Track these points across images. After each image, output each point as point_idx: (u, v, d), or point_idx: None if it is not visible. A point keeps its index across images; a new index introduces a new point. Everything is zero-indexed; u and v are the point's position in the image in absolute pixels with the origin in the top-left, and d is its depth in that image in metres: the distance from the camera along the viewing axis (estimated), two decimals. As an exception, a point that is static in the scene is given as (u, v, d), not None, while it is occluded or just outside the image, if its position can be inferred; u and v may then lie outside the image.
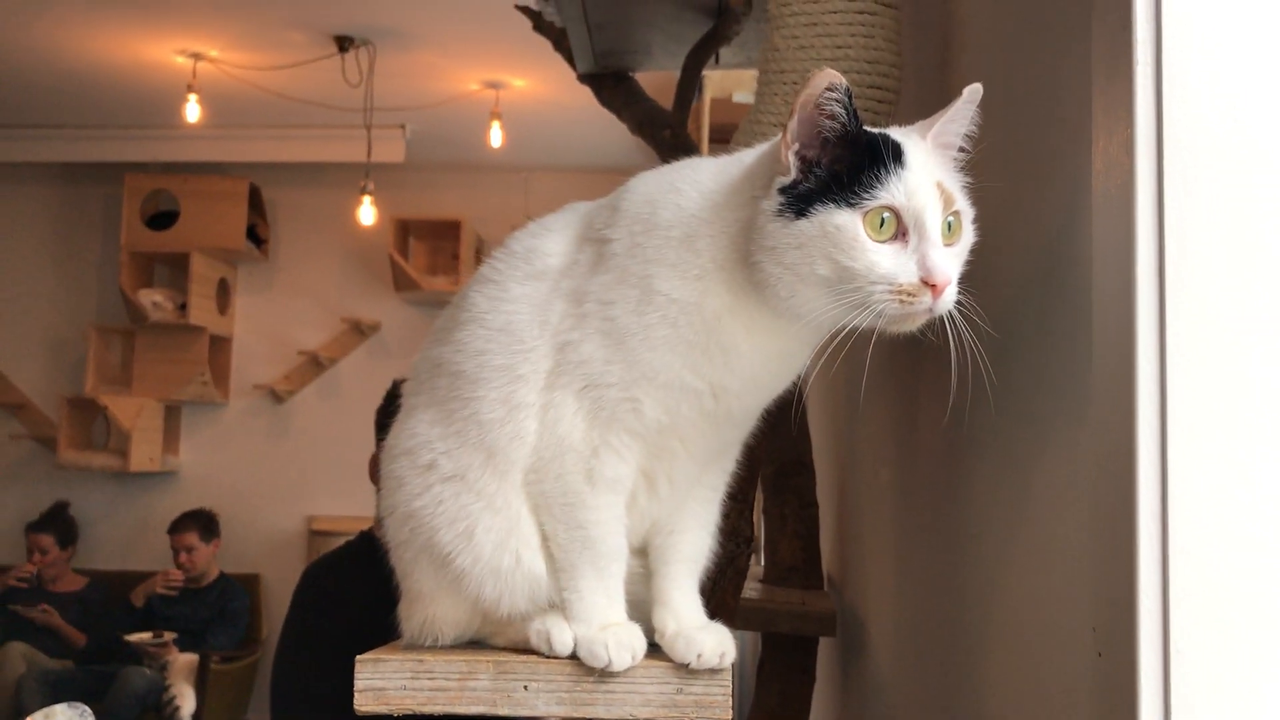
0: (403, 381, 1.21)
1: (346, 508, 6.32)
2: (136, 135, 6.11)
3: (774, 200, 0.95)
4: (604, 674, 1.02)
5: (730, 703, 1.01)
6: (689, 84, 2.64)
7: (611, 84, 2.79)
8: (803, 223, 0.94)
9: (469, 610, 1.09)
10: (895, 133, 1.00)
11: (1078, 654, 0.91)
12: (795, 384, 1.12)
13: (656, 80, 3.02)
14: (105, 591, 5.83)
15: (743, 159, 1.06)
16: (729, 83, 4.17)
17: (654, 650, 1.06)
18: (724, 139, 1.11)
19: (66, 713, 3.88)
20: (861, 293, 0.93)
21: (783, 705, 2.18)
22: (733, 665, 1.03)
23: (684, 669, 1.03)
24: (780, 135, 0.98)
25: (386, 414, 1.40)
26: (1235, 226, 0.80)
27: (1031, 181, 1.13)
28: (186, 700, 5.19)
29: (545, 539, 1.07)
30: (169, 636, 5.37)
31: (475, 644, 1.13)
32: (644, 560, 1.15)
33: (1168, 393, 0.80)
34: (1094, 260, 0.90)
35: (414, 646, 1.11)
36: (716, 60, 2.71)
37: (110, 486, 6.49)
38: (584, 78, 2.81)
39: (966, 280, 1.00)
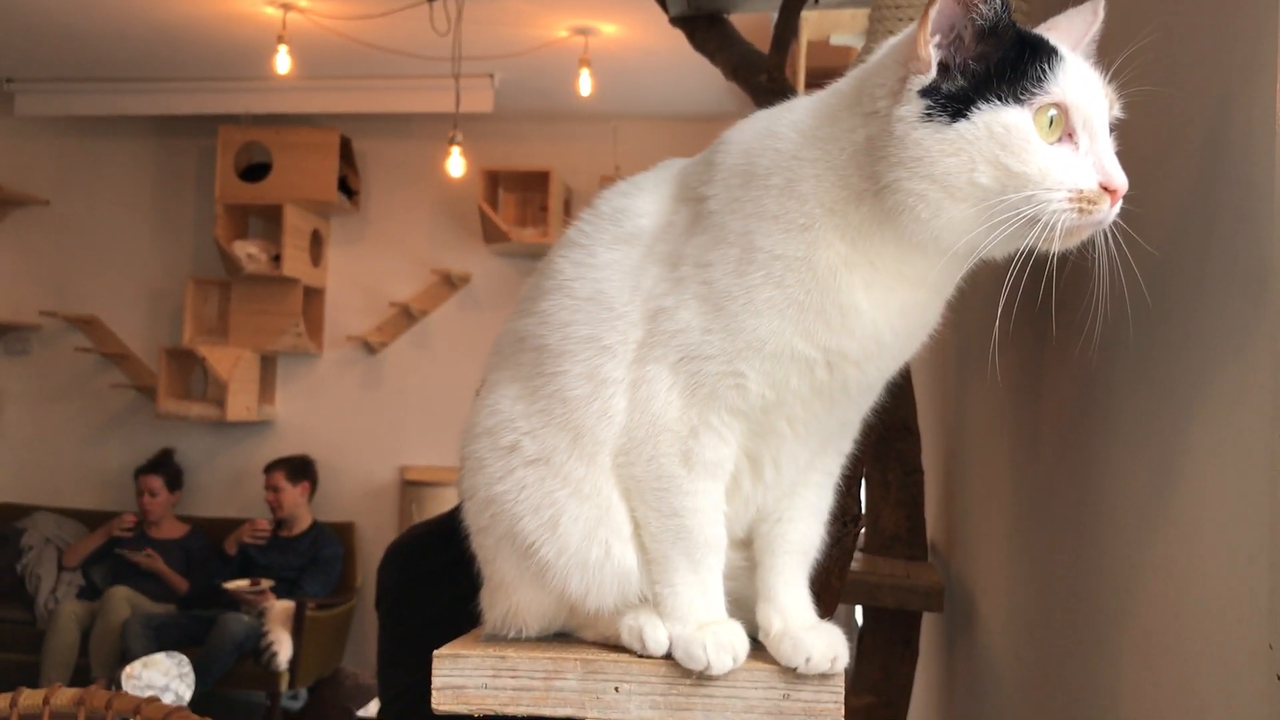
0: None
1: (439, 458, 6.35)
2: (229, 88, 6.12)
3: (915, 105, 0.84)
4: (702, 676, 0.93)
5: (843, 711, 0.92)
6: (787, 25, 2.51)
7: (705, 27, 2.66)
8: (961, 125, 0.82)
9: (554, 603, 1.01)
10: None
11: (1247, 671, 0.80)
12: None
13: (751, 22, 2.89)
14: (205, 538, 5.95)
15: (839, 87, 0.94)
16: (826, 24, 4.00)
17: (757, 650, 0.97)
18: (820, 83, 0.99)
19: (166, 662, 3.93)
20: (1033, 202, 0.81)
21: (885, 680, 2.08)
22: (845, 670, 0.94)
23: (791, 673, 0.93)
24: (909, 34, 0.86)
25: None
26: None
27: (1195, 122, 0.99)
28: (284, 646, 5.28)
29: (637, 528, 0.98)
30: (266, 584, 5.46)
31: (562, 637, 1.05)
32: (747, 553, 1.05)
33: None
34: (1276, 214, 0.77)
35: (496, 638, 1.03)
36: (816, 0, 2.56)
37: (208, 435, 6.61)
38: (676, 21, 2.68)
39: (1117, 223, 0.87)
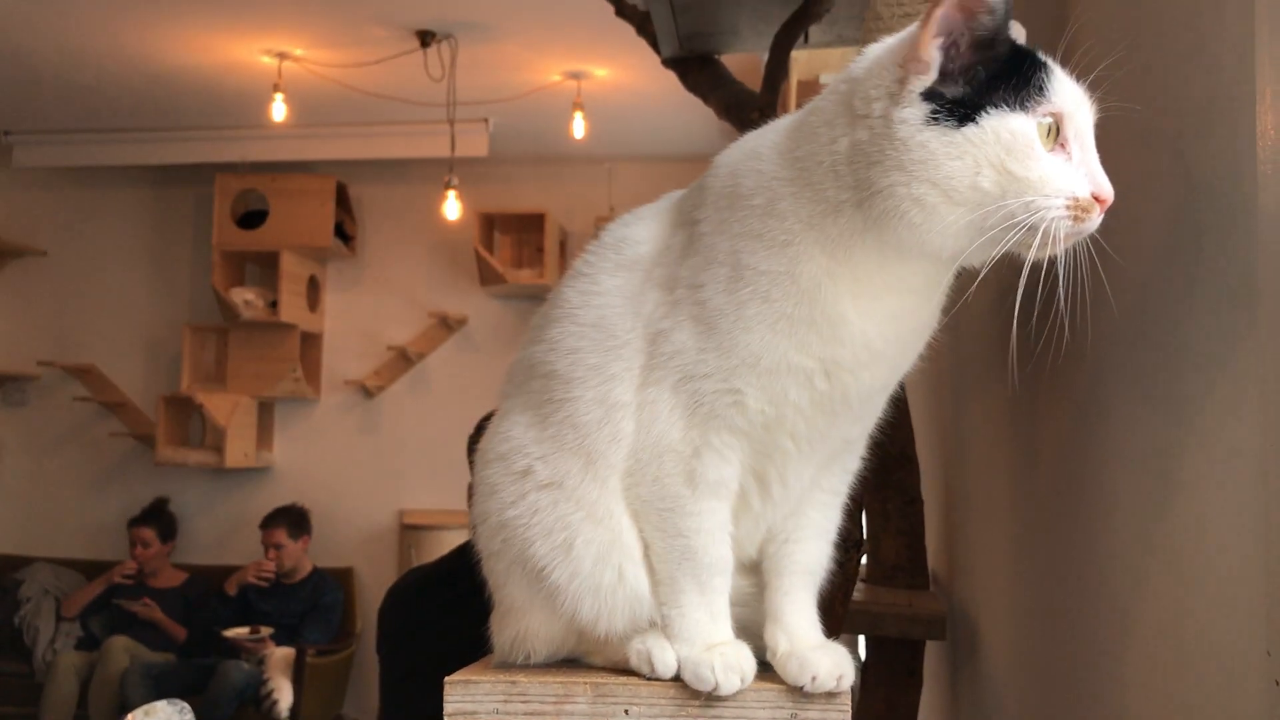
0: (492, 415, 1.13)
1: (437, 501, 6.35)
2: (225, 136, 6.17)
3: (919, 108, 0.85)
4: (711, 697, 0.94)
5: (849, 729, 0.93)
6: (778, 64, 2.55)
7: (697, 67, 2.70)
8: (969, 129, 0.83)
9: (563, 627, 1.02)
10: None
11: (1246, 678, 0.81)
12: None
13: (742, 62, 2.93)
14: (204, 586, 5.91)
15: (816, 104, 0.95)
16: (815, 64, 4.06)
17: (765, 670, 0.98)
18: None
19: (167, 710, 3.89)
20: (1032, 209, 0.83)
21: (890, 710, 2.08)
22: (851, 688, 0.95)
23: (798, 692, 0.95)
24: (906, 37, 0.88)
25: (476, 444, 1.34)
26: None
27: (1178, 138, 1.02)
28: (284, 693, 5.25)
29: (647, 551, 0.99)
30: (266, 632, 5.43)
31: (570, 662, 1.06)
32: (755, 579, 1.06)
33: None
34: (1260, 229, 0.79)
35: (505, 665, 1.04)
36: (805, 39, 2.61)
37: (206, 482, 6.60)
38: (668, 62, 2.73)
39: (1101, 241, 0.89)
